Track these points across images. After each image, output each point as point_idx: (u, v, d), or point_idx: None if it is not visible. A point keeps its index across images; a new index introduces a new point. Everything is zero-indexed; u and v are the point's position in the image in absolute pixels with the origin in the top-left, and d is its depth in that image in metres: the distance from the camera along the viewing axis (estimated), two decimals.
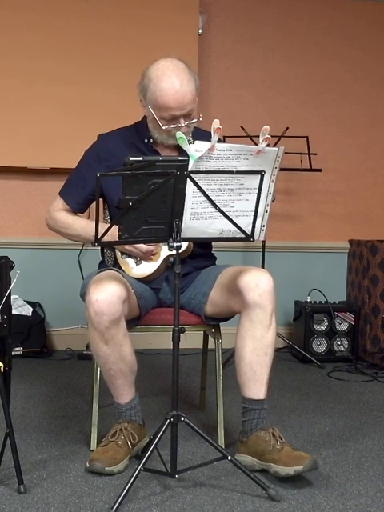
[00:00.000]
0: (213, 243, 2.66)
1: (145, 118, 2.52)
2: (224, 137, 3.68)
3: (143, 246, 2.42)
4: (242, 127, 3.89)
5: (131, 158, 1.95)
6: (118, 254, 2.54)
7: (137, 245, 2.41)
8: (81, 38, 3.98)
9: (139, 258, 2.48)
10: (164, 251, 2.44)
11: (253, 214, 2.12)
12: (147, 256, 2.46)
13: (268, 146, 2.07)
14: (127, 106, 3.91)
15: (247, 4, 4.36)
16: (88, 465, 2.26)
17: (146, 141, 2.51)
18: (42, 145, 3.96)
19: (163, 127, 2.36)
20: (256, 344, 2.28)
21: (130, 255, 2.50)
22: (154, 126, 2.43)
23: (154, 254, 2.47)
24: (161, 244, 2.43)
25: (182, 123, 2.35)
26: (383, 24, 4.50)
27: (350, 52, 4.47)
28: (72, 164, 2.68)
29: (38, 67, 3.94)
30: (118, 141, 2.53)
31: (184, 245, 2.44)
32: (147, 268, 2.48)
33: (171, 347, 2.09)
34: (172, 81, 2.32)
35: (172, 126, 2.36)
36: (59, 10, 3.96)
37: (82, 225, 2.52)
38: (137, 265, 2.50)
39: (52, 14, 3.95)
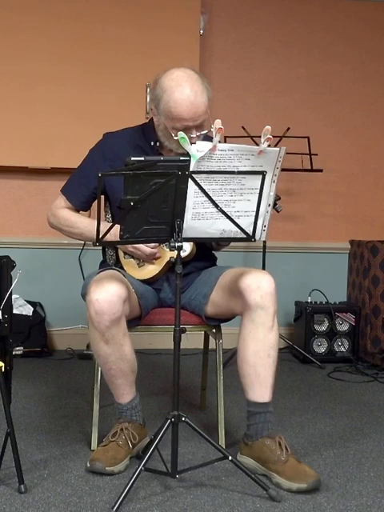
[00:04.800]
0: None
1: (151, 119, 2.50)
2: (225, 137, 3.68)
3: (147, 249, 2.41)
4: (243, 127, 3.89)
5: (132, 158, 1.94)
6: (121, 253, 2.54)
7: (140, 247, 2.41)
8: (82, 39, 3.97)
9: (142, 259, 2.48)
10: (168, 255, 2.43)
11: (254, 214, 2.12)
12: (150, 259, 2.46)
13: (269, 146, 2.07)
14: (128, 106, 3.95)
15: (248, 4, 4.36)
16: (88, 465, 2.27)
17: (152, 143, 2.50)
18: (43, 145, 3.96)
19: (175, 137, 2.33)
20: (258, 346, 2.27)
21: (132, 256, 2.50)
22: (164, 134, 2.41)
23: (157, 258, 2.46)
24: (165, 248, 2.42)
25: (194, 134, 2.33)
26: None
27: (350, 52, 4.47)
28: (73, 164, 2.68)
29: (39, 68, 3.94)
30: (124, 141, 2.52)
31: (188, 249, 2.44)
32: (150, 270, 2.48)
33: (172, 347, 2.09)
34: (186, 92, 2.29)
35: None
36: (60, 11, 3.95)
37: (85, 223, 2.52)
38: (139, 266, 2.49)
39: (53, 16, 3.95)
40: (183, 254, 2.27)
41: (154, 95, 2.39)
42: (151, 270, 2.49)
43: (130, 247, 2.45)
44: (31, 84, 3.94)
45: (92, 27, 3.98)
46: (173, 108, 2.31)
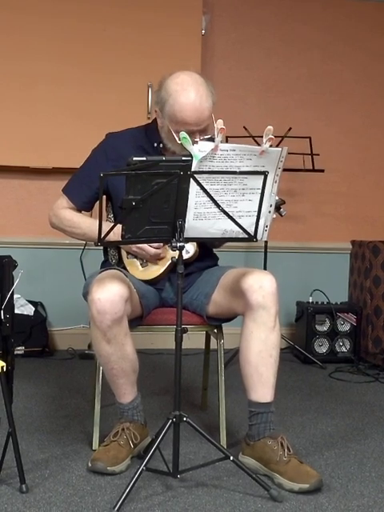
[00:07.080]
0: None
1: (155, 120, 2.50)
2: (227, 137, 3.67)
3: (151, 250, 2.41)
4: (244, 127, 3.89)
5: (134, 158, 1.94)
6: (124, 253, 2.53)
7: (144, 248, 2.41)
8: (83, 38, 3.97)
9: (146, 260, 2.48)
10: (170, 255, 2.43)
11: (256, 214, 2.12)
12: (154, 259, 2.46)
13: (271, 146, 2.07)
14: (129, 106, 3.95)
15: (249, 4, 4.36)
16: (90, 464, 2.27)
17: (155, 145, 2.50)
18: (44, 145, 3.96)
19: (178, 141, 2.33)
20: (260, 346, 2.28)
21: (136, 256, 2.50)
22: (168, 137, 2.41)
23: (160, 259, 2.46)
24: (168, 248, 2.42)
25: (198, 138, 2.31)
26: None
27: (352, 53, 4.47)
28: (74, 164, 2.68)
29: (39, 68, 3.94)
30: (127, 142, 2.51)
31: (191, 250, 2.44)
32: (153, 270, 2.48)
33: (173, 347, 2.09)
34: (192, 97, 2.30)
35: None
36: (60, 11, 3.95)
37: (88, 223, 2.52)
38: (142, 266, 2.49)
39: (53, 15, 3.94)
40: (186, 256, 2.27)
41: (159, 98, 2.38)
42: (154, 271, 2.49)
43: (134, 247, 2.45)
44: (32, 84, 3.94)
45: (93, 27, 3.98)
46: (178, 112, 2.31)
